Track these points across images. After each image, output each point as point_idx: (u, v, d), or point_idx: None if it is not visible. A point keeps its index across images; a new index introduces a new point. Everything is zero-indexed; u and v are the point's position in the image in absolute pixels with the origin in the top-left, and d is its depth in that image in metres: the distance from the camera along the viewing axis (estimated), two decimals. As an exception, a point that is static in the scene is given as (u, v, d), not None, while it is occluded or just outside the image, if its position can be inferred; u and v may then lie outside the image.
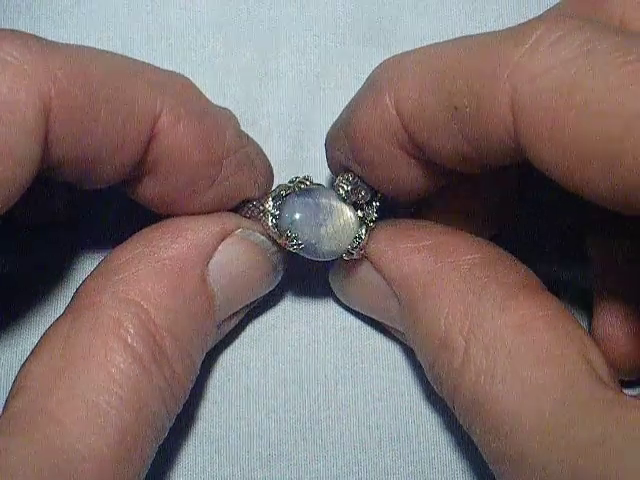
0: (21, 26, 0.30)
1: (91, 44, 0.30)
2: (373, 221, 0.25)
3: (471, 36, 0.21)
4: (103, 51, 0.23)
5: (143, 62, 0.24)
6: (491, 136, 0.20)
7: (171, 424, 0.23)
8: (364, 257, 0.25)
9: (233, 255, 0.25)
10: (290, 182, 0.25)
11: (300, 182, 0.25)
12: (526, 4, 0.31)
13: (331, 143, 0.25)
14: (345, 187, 0.25)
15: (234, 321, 0.26)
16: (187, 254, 0.23)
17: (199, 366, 0.24)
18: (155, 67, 0.24)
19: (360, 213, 0.25)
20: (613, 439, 0.17)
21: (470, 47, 0.20)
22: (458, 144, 0.21)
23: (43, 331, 0.22)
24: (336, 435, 0.27)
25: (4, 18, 0.30)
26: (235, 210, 0.26)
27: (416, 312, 0.23)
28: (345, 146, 0.24)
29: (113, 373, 0.20)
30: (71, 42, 0.29)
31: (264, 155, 0.27)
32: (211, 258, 0.24)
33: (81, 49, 0.22)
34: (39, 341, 0.22)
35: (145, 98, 0.22)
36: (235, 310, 0.26)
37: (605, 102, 0.17)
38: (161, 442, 0.22)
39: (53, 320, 0.22)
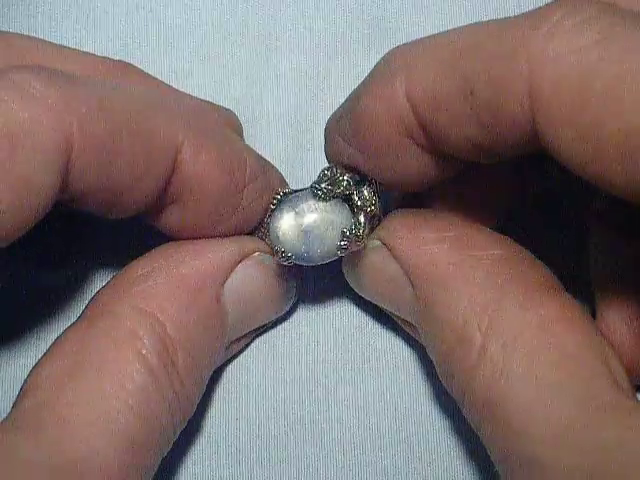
0: (20, 26, 0.30)
1: (91, 44, 0.30)
2: (373, 204, 0.24)
3: (486, 21, 0.21)
4: (123, 85, 0.23)
5: (163, 91, 0.24)
6: (507, 121, 0.19)
7: (176, 437, 0.23)
8: (382, 244, 0.24)
9: (248, 277, 0.25)
10: (275, 195, 0.25)
11: (277, 194, 0.25)
12: (527, 2, 0.31)
13: (332, 128, 0.25)
14: (319, 185, 0.24)
15: (242, 344, 0.27)
16: (205, 272, 0.24)
17: (206, 382, 0.24)
18: (176, 94, 0.24)
19: (356, 200, 0.24)
20: (629, 445, 0.17)
21: (486, 31, 0.20)
22: (472, 131, 0.20)
23: (52, 337, 0.22)
24: (336, 435, 0.27)
25: (3, 18, 0.30)
26: (251, 232, 0.26)
27: (433, 303, 0.23)
28: (348, 133, 0.23)
29: (125, 382, 0.21)
30: (71, 42, 0.29)
31: (284, 180, 0.27)
32: (227, 279, 0.24)
33: (103, 82, 0.22)
34: (53, 343, 0.22)
35: (166, 130, 0.22)
36: (245, 332, 0.26)
37: (625, 89, 0.17)
38: (165, 454, 0.23)
39: (57, 329, 0.22)
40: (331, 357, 0.28)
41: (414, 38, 0.30)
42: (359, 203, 0.24)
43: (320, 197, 0.25)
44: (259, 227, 0.26)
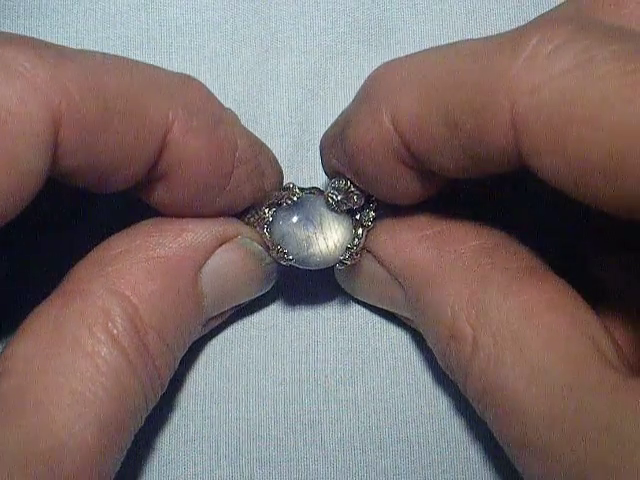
0: (20, 26, 0.30)
1: (91, 44, 0.30)
2: (372, 220, 0.25)
3: (466, 42, 0.21)
4: (115, 57, 0.23)
5: (155, 67, 0.24)
6: (492, 150, 0.19)
7: (147, 414, 0.23)
8: (367, 251, 0.25)
9: (228, 261, 0.25)
10: (284, 189, 0.25)
11: (291, 194, 0.25)
12: (527, 2, 0.31)
13: (326, 150, 0.25)
14: (335, 197, 0.25)
15: (220, 319, 0.27)
16: (183, 255, 0.23)
17: (179, 360, 0.24)
18: (167, 72, 0.24)
19: (357, 216, 0.25)
20: (620, 425, 0.17)
21: (466, 57, 0.20)
22: (459, 158, 0.20)
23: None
24: (336, 436, 0.27)
25: (3, 18, 0.30)
26: (238, 215, 0.26)
27: (422, 303, 0.23)
28: (341, 156, 0.24)
29: (99, 364, 0.21)
30: (71, 42, 0.29)
31: (276, 162, 0.27)
32: (206, 261, 0.24)
33: (93, 57, 0.22)
34: (25, 321, 0.22)
35: (157, 109, 0.22)
36: (222, 310, 0.26)
37: (606, 115, 0.17)
38: (135, 432, 0.23)
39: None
40: (331, 357, 0.28)
41: (414, 38, 0.31)
42: (361, 221, 0.25)
43: (333, 208, 0.25)
44: (250, 213, 0.26)
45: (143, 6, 0.31)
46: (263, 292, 0.27)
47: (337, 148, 0.24)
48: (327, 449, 0.27)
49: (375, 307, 0.28)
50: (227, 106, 0.29)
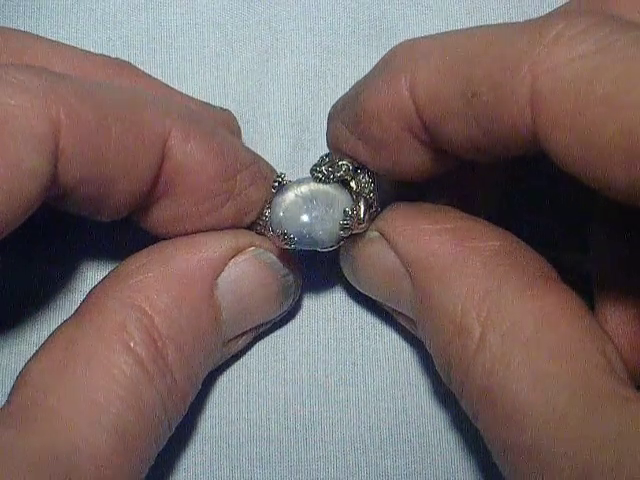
0: (21, 26, 0.30)
1: (91, 44, 0.30)
2: (372, 191, 0.25)
3: (490, 25, 0.21)
4: (110, 83, 0.23)
5: (156, 89, 0.24)
6: (507, 126, 0.19)
7: (171, 432, 0.23)
8: (380, 234, 0.25)
9: (243, 272, 0.25)
10: (274, 182, 0.25)
11: (274, 181, 0.25)
12: (527, 2, 0.31)
13: (335, 115, 0.25)
14: (319, 167, 0.24)
15: (242, 342, 0.27)
16: (197, 266, 0.24)
17: (202, 380, 0.24)
18: (168, 92, 0.24)
19: (354, 186, 0.25)
20: (627, 437, 0.17)
21: (490, 36, 0.20)
22: (472, 132, 0.20)
23: (44, 333, 0.22)
24: (336, 436, 0.27)
25: (3, 18, 0.30)
26: (249, 227, 0.26)
27: (431, 295, 0.23)
28: (351, 121, 0.24)
29: (115, 374, 0.21)
30: (70, 42, 0.29)
31: (273, 169, 0.27)
32: (221, 273, 0.24)
33: (90, 80, 0.22)
34: (46, 340, 0.22)
35: (153, 117, 0.22)
36: (243, 330, 0.26)
37: (626, 95, 0.17)
38: (160, 449, 0.23)
39: (53, 323, 0.22)
40: (332, 358, 0.28)
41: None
42: (357, 189, 0.25)
43: (320, 179, 0.25)
44: (256, 221, 0.26)
45: (143, 6, 0.31)
46: (283, 310, 0.27)
47: (347, 112, 0.24)
48: (327, 449, 0.27)
49: (375, 308, 0.28)
50: (227, 106, 0.29)
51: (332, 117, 0.25)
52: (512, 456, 0.20)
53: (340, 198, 0.25)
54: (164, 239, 0.25)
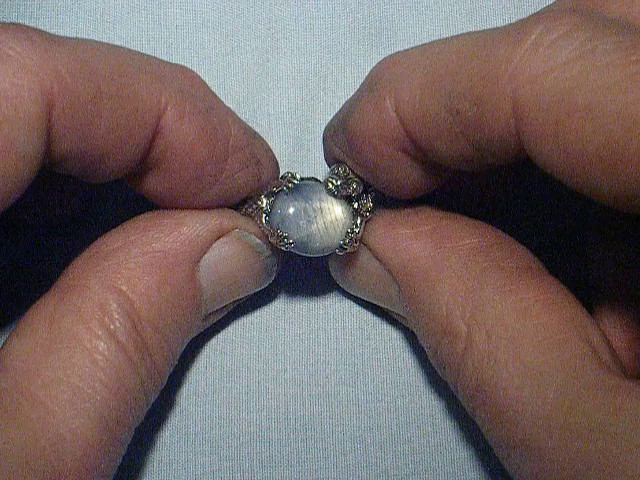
0: (21, 26, 0.30)
1: (91, 44, 0.30)
2: (369, 211, 0.25)
3: (470, 34, 0.21)
4: (107, 44, 0.22)
5: (148, 55, 0.24)
6: (494, 138, 0.19)
7: (147, 409, 0.23)
8: (363, 244, 0.25)
9: (226, 254, 0.25)
10: (282, 178, 0.25)
11: (289, 180, 0.25)
12: (527, 2, 0.31)
13: (328, 138, 0.25)
14: (334, 182, 0.25)
15: (221, 314, 0.27)
16: (179, 249, 0.23)
17: (178, 356, 0.24)
18: (161, 60, 0.24)
19: (355, 204, 0.25)
20: (613, 426, 0.17)
21: (469, 47, 0.20)
22: (460, 146, 0.21)
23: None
24: (337, 436, 0.27)
25: (3, 18, 0.30)
26: (235, 206, 0.26)
27: (417, 299, 0.23)
28: (343, 143, 0.24)
29: (97, 359, 0.21)
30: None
31: (271, 152, 0.27)
32: (204, 255, 0.24)
33: (85, 42, 0.22)
34: (23, 318, 0.22)
35: (149, 93, 0.22)
36: (222, 305, 0.26)
37: (607, 104, 0.17)
38: (136, 426, 0.22)
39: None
40: (331, 358, 0.28)
41: (414, 38, 0.31)
42: (359, 208, 0.25)
43: (332, 193, 0.25)
44: (247, 204, 0.26)
45: (143, 6, 0.30)
46: (263, 287, 0.27)
47: (339, 136, 0.24)
48: (327, 449, 0.27)
49: (375, 308, 0.28)
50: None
51: (326, 139, 0.26)
52: (508, 451, 0.20)
53: (344, 217, 0.25)
54: (153, 207, 0.25)
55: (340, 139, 0.24)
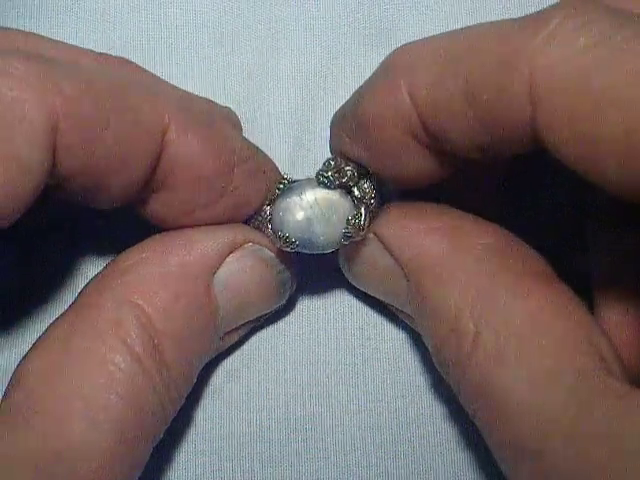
0: (21, 26, 0.30)
1: (91, 44, 0.30)
2: (372, 197, 0.25)
3: (487, 23, 0.21)
4: (103, 66, 0.23)
5: (143, 72, 0.24)
6: (508, 123, 0.19)
7: (167, 426, 0.23)
8: (375, 235, 0.25)
9: (239, 268, 0.25)
10: (279, 183, 0.25)
11: (281, 182, 0.25)
12: (528, 2, 0.31)
13: (337, 125, 0.25)
14: (325, 173, 0.24)
15: (237, 334, 0.27)
16: (194, 262, 0.23)
17: (197, 373, 0.24)
18: (156, 77, 0.24)
19: (356, 192, 0.25)
20: (623, 433, 0.17)
21: (488, 34, 0.20)
22: (474, 132, 0.20)
23: (39, 328, 0.22)
24: (337, 436, 0.27)
25: (3, 18, 0.30)
26: (246, 222, 0.26)
27: (426, 294, 0.23)
28: (352, 129, 0.24)
29: (112, 372, 0.21)
30: (71, 42, 0.29)
31: (273, 163, 0.27)
32: (218, 269, 0.24)
33: (87, 66, 0.22)
34: (40, 337, 0.22)
35: (152, 110, 0.22)
36: (239, 323, 0.26)
37: (623, 91, 0.17)
38: (156, 444, 0.22)
39: (48, 319, 0.22)
40: (332, 358, 0.28)
41: (414, 38, 0.30)
42: (359, 195, 0.25)
43: (325, 185, 0.25)
44: (255, 217, 0.26)
45: (143, 6, 0.30)
46: (279, 304, 0.27)
47: (348, 121, 0.24)
48: (327, 449, 0.27)
49: (375, 308, 0.28)
50: (227, 106, 0.29)
51: (334, 126, 0.25)
52: (510, 454, 0.20)
53: (343, 205, 0.25)
54: (162, 230, 0.25)
55: (349, 124, 0.24)
